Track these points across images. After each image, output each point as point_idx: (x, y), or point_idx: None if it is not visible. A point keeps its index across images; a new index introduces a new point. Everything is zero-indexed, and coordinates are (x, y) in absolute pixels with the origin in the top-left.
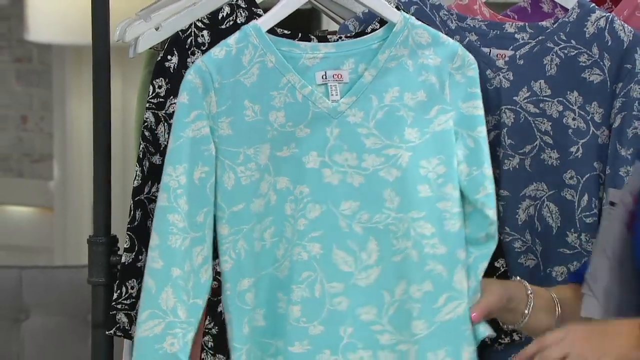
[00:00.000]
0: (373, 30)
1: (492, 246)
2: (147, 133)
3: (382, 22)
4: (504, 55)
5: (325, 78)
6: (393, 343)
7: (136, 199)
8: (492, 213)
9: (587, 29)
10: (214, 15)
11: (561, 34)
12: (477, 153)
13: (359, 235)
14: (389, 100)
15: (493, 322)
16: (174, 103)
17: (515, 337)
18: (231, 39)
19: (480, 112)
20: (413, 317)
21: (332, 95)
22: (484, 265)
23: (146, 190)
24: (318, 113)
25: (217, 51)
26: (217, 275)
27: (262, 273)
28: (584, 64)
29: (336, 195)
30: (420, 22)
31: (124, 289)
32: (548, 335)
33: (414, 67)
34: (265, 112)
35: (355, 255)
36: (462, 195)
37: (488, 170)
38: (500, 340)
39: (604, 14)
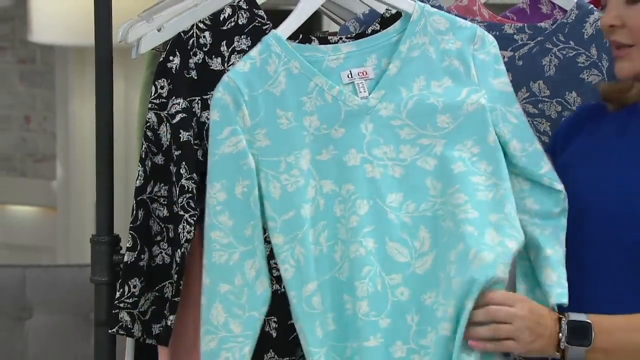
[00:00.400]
0: (374, 31)
1: (564, 219)
2: (149, 133)
3: (383, 23)
4: (503, 56)
5: (351, 77)
6: (444, 312)
7: (138, 198)
8: (561, 187)
9: (586, 30)
10: (215, 16)
11: (560, 35)
12: (523, 129)
13: (408, 225)
14: (417, 90)
15: None
16: (176, 103)
17: None
18: (253, 52)
19: (511, 89)
20: (451, 277)
21: (360, 92)
22: (564, 234)
23: (148, 189)
24: (349, 111)
25: (242, 65)
26: None
27: (323, 278)
28: (582, 65)
29: (381, 189)
30: (435, 9)
31: (126, 288)
32: (498, 309)
33: (436, 53)
34: (298, 118)
35: (409, 245)
36: (515, 170)
37: (539, 145)
38: None
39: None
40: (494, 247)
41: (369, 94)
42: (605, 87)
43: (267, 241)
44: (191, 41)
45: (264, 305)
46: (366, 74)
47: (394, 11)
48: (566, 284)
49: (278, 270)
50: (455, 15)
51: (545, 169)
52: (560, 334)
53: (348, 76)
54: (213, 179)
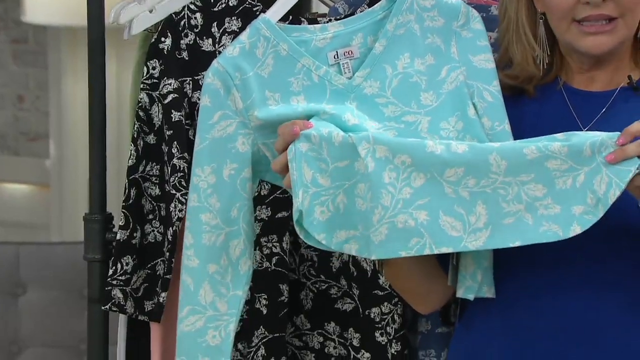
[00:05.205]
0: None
1: None
2: (141, 113)
3: (371, 4)
4: (490, 37)
5: (337, 57)
6: None
7: (131, 177)
8: None
9: None
10: None
11: None
12: (496, 107)
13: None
14: (401, 68)
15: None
16: (168, 84)
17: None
18: (243, 36)
19: (492, 65)
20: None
21: (344, 73)
22: None
23: (140, 169)
24: (334, 90)
25: (231, 50)
26: None
27: None
28: None
29: None
30: None
31: (119, 266)
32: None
33: (421, 31)
34: (285, 99)
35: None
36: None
37: (508, 126)
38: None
39: None
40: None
41: (354, 74)
42: (508, 82)
43: (256, 219)
44: (182, 22)
45: (247, 284)
46: (352, 53)
47: None
48: None
49: (268, 248)
50: None
51: None
52: None
53: (334, 57)
54: (204, 163)
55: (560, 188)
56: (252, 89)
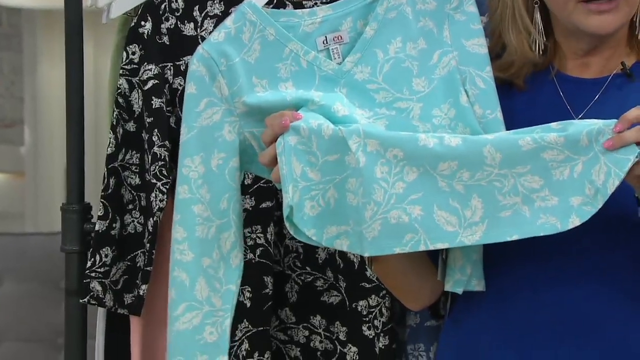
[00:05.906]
0: None
1: None
2: (120, 100)
3: None
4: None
5: (326, 43)
6: None
7: (110, 166)
8: None
9: None
10: None
11: None
12: (488, 94)
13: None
14: (393, 52)
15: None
16: (148, 69)
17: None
18: (228, 21)
19: (485, 50)
20: None
21: (334, 58)
22: None
23: (120, 157)
24: (324, 76)
25: (216, 35)
26: None
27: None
28: None
29: None
30: None
31: (97, 257)
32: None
33: (413, 14)
34: (274, 85)
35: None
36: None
37: (500, 114)
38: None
39: None
40: None
41: (344, 59)
42: (499, 75)
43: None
44: (163, 6)
45: (238, 277)
46: (341, 38)
47: None
48: None
49: (252, 239)
50: None
51: None
52: None
53: (323, 42)
54: (193, 152)
55: (558, 179)
56: (238, 75)
